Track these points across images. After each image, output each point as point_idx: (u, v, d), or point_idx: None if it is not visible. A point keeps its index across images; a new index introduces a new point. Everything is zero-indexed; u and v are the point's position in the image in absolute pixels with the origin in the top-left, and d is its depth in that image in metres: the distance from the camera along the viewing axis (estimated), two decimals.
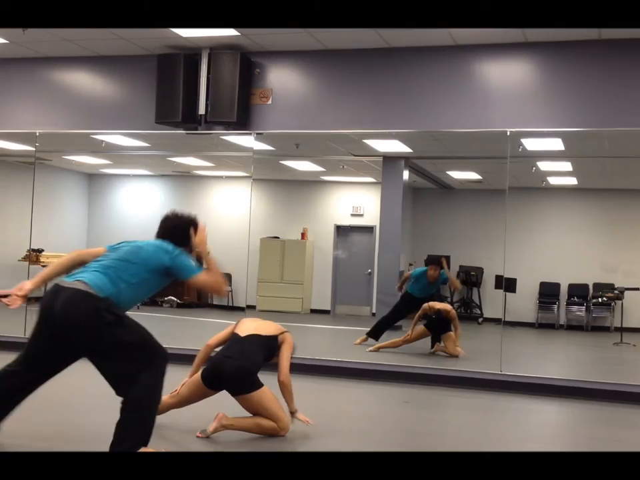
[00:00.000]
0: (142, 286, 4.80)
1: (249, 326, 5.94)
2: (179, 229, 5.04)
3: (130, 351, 4.61)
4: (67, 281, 4.67)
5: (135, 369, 4.58)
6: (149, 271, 4.78)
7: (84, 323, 4.53)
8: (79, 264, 4.91)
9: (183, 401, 5.86)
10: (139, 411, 4.59)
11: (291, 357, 5.91)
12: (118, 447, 4.49)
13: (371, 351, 10.08)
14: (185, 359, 6.93)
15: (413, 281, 11.29)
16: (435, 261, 11.29)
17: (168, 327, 12.26)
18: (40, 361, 4.88)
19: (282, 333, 5.96)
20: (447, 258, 11.68)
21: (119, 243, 5.01)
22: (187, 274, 4.81)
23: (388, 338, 10.56)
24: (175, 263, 4.79)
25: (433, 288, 11.26)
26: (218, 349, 5.97)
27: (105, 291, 4.60)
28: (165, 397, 5.54)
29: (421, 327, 10.41)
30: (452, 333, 10.37)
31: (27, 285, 4.78)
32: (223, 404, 5.74)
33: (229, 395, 5.72)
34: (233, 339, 5.88)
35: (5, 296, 4.74)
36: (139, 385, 4.56)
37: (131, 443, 4.50)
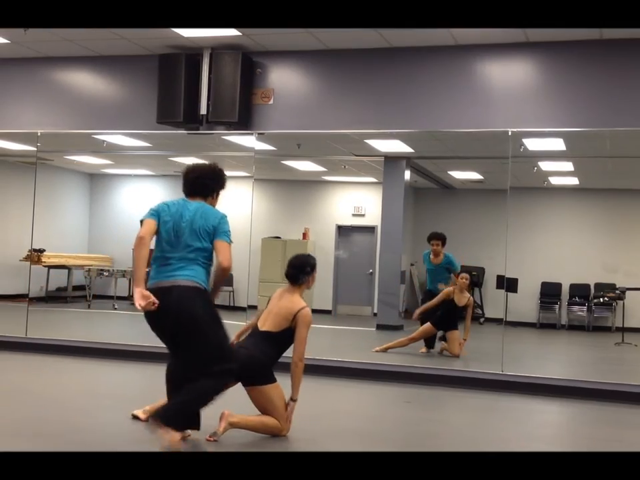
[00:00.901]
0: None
1: (265, 319, 5.89)
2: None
3: (218, 347, 5.12)
4: (176, 280, 5.08)
5: (212, 363, 5.04)
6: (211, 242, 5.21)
7: (197, 314, 5.04)
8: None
9: None
10: (194, 397, 5.06)
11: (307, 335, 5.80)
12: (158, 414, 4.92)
13: (377, 351, 10.02)
14: None
15: (426, 274, 11.05)
16: (434, 235, 10.74)
17: None
18: (175, 347, 5.35)
19: (294, 317, 5.79)
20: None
21: (171, 219, 5.22)
22: (227, 237, 5.23)
23: (394, 338, 10.53)
24: (222, 224, 5.25)
25: (441, 272, 10.76)
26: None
27: (206, 282, 5.17)
28: None
29: (427, 325, 10.34)
30: (457, 332, 10.31)
31: (145, 292, 5.01)
32: (225, 404, 5.73)
33: (230, 396, 5.72)
34: (253, 330, 5.89)
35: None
36: (209, 379, 5.03)
37: (166, 418, 4.86)
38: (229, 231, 5.24)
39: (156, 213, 5.24)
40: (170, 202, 5.31)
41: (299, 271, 6.06)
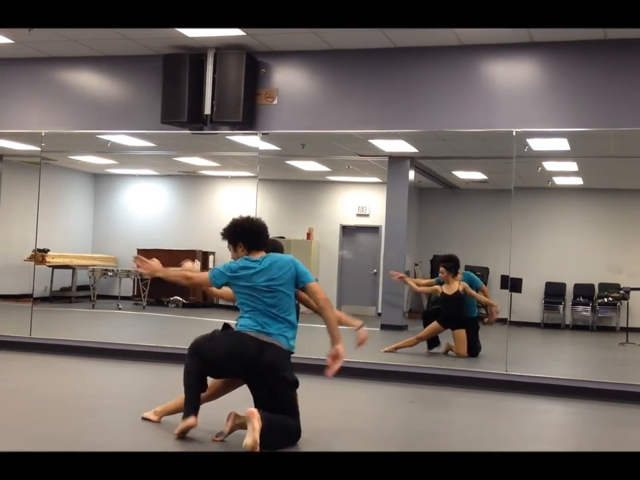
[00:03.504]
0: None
1: None
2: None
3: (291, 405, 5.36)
4: (269, 338, 5.31)
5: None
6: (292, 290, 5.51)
7: (280, 377, 5.29)
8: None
9: (216, 392, 5.78)
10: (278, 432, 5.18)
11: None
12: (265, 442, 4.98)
13: (386, 351, 10.00)
14: None
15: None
16: (442, 260, 10.70)
17: (174, 327, 12.28)
18: (219, 374, 5.55)
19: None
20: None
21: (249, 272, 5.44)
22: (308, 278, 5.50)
23: (398, 338, 10.53)
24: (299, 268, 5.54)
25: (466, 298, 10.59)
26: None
27: (293, 345, 5.45)
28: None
29: (434, 324, 10.33)
30: (463, 331, 10.29)
31: (158, 266, 5.61)
32: (229, 406, 5.73)
33: (236, 396, 5.73)
34: None
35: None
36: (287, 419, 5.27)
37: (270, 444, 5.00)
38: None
39: None
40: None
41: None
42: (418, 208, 14.96)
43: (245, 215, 5.67)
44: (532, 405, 7.77)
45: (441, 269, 10.51)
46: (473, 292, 10.43)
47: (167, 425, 5.67)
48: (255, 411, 4.99)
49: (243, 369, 5.31)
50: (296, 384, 5.41)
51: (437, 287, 10.54)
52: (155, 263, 5.68)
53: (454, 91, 8.98)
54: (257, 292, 5.35)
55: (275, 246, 5.87)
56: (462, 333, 10.27)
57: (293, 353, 5.43)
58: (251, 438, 4.87)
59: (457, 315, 10.31)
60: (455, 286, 10.35)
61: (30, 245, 11.91)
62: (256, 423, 4.92)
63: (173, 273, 5.74)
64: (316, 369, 8.43)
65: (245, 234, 5.51)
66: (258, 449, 4.84)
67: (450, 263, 10.44)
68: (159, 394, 5.78)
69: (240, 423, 5.34)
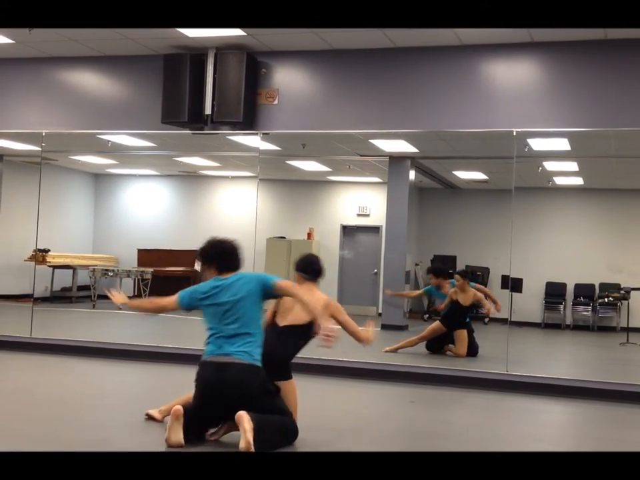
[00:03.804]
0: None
1: (287, 313, 5.92)
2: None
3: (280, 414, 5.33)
4: (228, 357, 5.26)
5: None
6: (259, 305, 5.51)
7: (253, 393, 5.25)
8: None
9: None
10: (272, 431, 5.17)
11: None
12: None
13: (387, 351, 9.99)
14: (190, 358, 6.95)
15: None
16: (432, 270, 11.05)
17: (174, 327, 12.25)
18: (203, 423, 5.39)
19: (326, 307, 5.93)
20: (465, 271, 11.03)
21: (215, 290, 5.47)
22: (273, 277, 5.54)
23: (399, 338, 10.53)
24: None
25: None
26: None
27: (258, 359, 5.35)
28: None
29: (435, 323, 10.34)
30: (465, 331, 10.30)
31: (123, 299, 5.60)
32: None
33: None
34: (270, 328, 5.90)
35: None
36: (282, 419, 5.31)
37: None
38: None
39: None
40: None
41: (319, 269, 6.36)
42: (418, 208, 14.97)
43: (219, 236, 5.73)
44: (532, 405, 7.77)
45: (456, 276, 10.55)
46: (484, 299, 10.44)
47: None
48: (243, 413, 4.99)
49: (217, 398, 5.23)
50: (275, 392, 5.42)
51: (452, 291, 10.50)
52: (120, 295, 5.68)
53: (454, 91, 8.98)
54: (220, 309, 5.36)
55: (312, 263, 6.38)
56: (463, 333, 10.30)
57: (259, 367, 5.32)
58: (243, 440, 4.89)
59: (459, 317, 10.33)
60: (470, 296, 10.35)
61: (30, 245, 11.91)
62: (246, 425, 4.95)
63: (137, 303, 5.78)
64: (316, 369, 8.46)
65: (219, 255, 5.57)
66: (253, 449, 4.85)
67: (464, 272, 10.61)
68: (159, 394, 5.78)
69: (235, 426, 5.36)
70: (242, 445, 4.87)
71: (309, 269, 6.28)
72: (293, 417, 5.39)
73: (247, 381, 5.21)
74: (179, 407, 5.13)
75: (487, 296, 10.60)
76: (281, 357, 5.76)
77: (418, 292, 11.07)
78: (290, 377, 5.81)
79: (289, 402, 5.67)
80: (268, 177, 13.97)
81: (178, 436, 5.05)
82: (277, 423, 5.23)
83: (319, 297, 6.02)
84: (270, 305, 6.05)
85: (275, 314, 6.01)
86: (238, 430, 5.08)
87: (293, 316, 5.89)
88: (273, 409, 5.28)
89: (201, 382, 5.29)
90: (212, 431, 5.38)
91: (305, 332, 5.84)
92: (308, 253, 6.57)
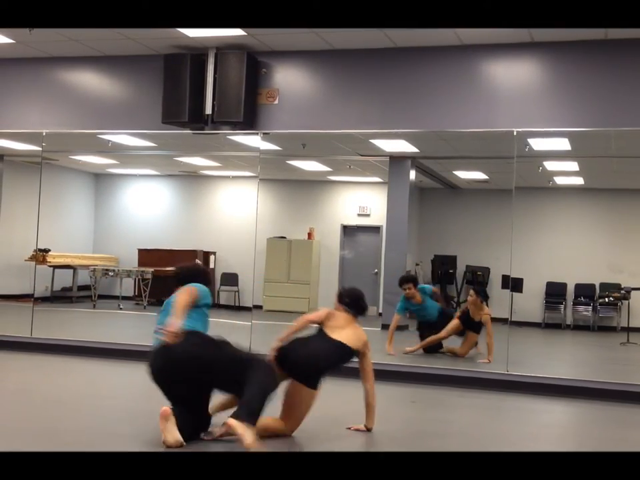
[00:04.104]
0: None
1: (339, 330, 5.91)
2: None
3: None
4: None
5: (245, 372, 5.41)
6: None
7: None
8: None
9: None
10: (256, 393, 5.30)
11: None
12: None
13: (408, 352, 9.99)
14: None
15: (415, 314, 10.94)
16: (405, 280, 10.76)
17: None
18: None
19: (364, 344, 6.04)
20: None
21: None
22: None
23: (399, 338, 10.49)
24: None
25: (425, 307, 10.72)
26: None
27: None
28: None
29: (454, 321, 10.26)
30: (476, 336, 10.22)
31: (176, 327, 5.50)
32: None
33: None
34: (321, 333, 5.90)
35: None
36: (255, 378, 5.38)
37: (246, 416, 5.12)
38: None
39: None
40: None
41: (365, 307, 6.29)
42: (419, 208, 14.96)
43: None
44: (533, 405, 7.77)
45: (471, 292, 10.39)
46: (489, 330, 10.04)
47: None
48: (232, 420, 5.00)
49: (170, 370, 5.39)
50: (223, 341, 5.62)
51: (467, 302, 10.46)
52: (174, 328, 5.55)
53: (455, 91, 8.98)
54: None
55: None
56: (474, 337, 10.23)
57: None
58: (247, 440, 4.89)
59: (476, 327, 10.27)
60: (480, 314, 10.09)
61: (31, 244, 11.90)
62: (239, 429, 4.96)
63: (177, 315, 5.68)
64: None
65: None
66: (256, 446, 4.87)
67: (478, 290, 10.38)
68: (159, 394, 5.77)
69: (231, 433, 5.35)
70: (247, 444, 4.89)
71: (354, 304, 6.20)
72: (257, 362, 5.47)
73: (190, 341, 5.47)
74: (166, 408, 5.15)
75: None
76: (321, 363, 5.75)
77: (396, 318, 10.70)
78: (317, 388, 5.77)
79: (302, 411, 5.65)
80: (268, 176, 13.96)
81: (174, 435, 5.06)
82: (256, 392, 5.25)
83: (360, 333, 6.04)
84: (322, 309, 6.09)
85: (322, 322, 5.98)
86: (231, 434, 5.10)
87: (347, 336, 5.88)
88: (235, 363, 5.44)
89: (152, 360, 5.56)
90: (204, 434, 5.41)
91: (349, 355, 5.87)
92: (354, 288, 6.45)
